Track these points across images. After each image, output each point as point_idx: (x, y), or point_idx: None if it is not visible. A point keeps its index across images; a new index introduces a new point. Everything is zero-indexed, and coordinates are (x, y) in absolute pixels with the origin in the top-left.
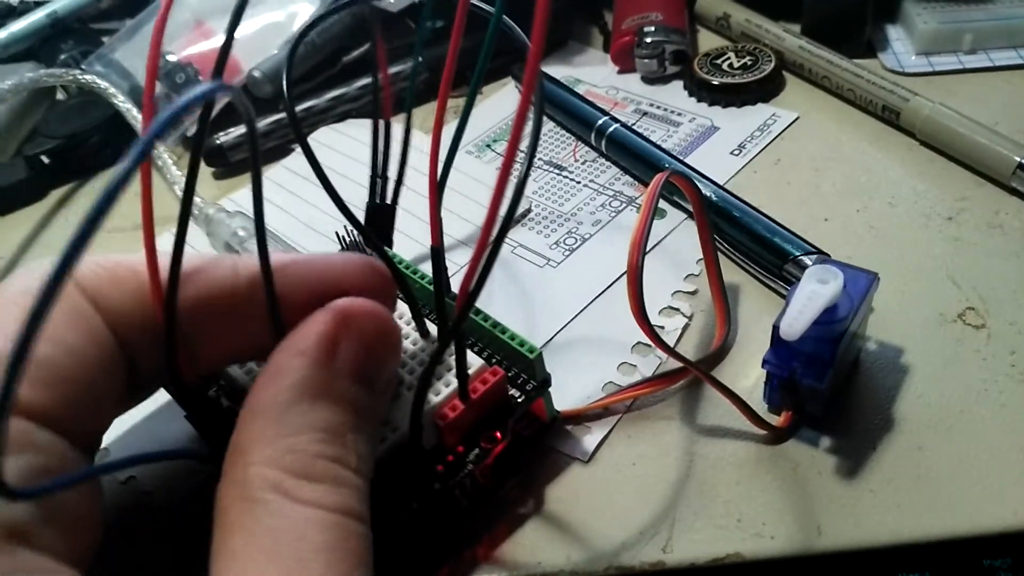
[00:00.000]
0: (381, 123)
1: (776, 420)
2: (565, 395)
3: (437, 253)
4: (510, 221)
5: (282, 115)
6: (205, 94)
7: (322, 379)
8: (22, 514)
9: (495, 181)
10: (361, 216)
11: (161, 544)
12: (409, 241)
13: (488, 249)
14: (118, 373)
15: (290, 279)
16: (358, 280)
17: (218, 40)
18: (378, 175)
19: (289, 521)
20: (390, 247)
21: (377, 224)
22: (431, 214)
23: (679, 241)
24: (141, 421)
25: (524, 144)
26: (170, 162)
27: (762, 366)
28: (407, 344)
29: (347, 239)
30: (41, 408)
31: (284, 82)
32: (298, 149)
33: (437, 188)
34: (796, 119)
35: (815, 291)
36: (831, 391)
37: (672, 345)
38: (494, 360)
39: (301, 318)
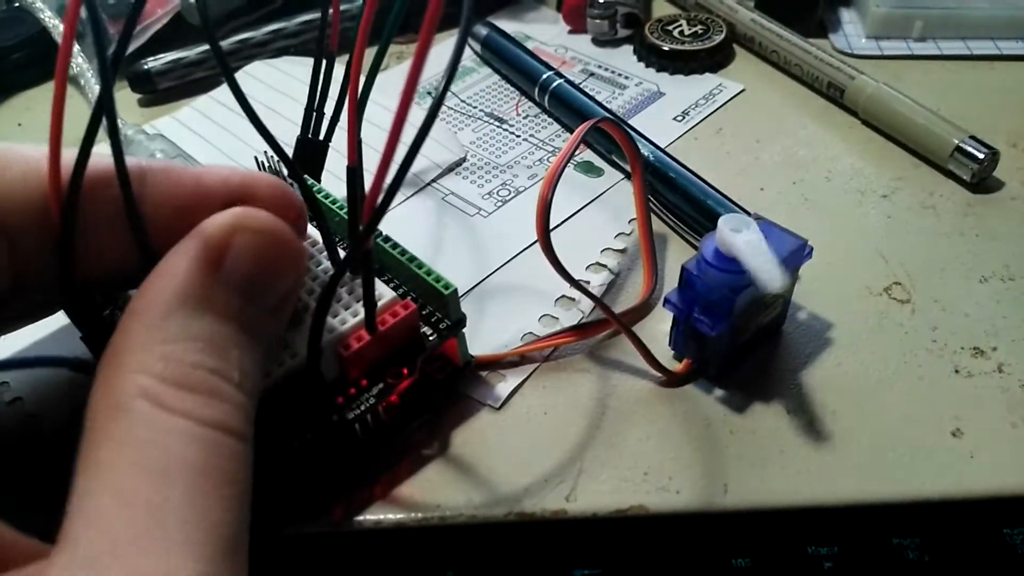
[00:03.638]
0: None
1: (676, 366)
2: (483, 342)
3: (353, 173)
4: (434, 116)
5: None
6: None
7: (206, 288)
8: None
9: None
10: (290, 150)
11: (46, 466)
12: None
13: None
14: None
15: (182, 188)
16: (263, 197)
17: None
18: (313, 109)
19: (158, 432)
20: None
21: (307, 159)
22: (349, 132)
23: (614, 200)
24: (32, 344)
25: (469, 94)
26: (93, 82)
27: (663, 305)
28: (318, 272)
29: (266, 164)
30: None
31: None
32: None
33: (357, 107)
34: (742, 91)
35: (749, 240)
36: (728, 345)
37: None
38: (409, 297)
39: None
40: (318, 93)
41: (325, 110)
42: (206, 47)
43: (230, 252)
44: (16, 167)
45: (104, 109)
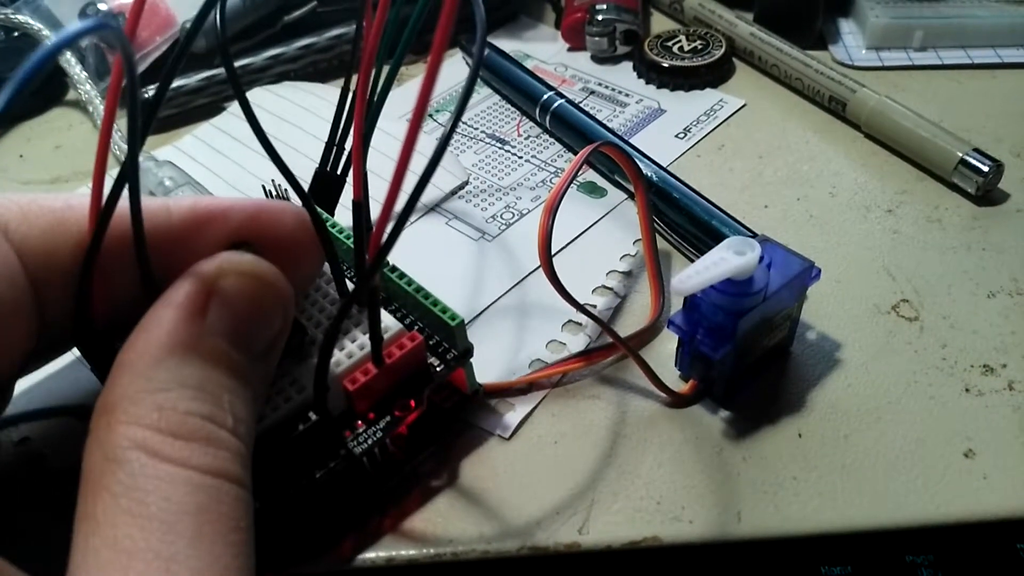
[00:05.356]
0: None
1: (682, 387)
2: (490, 369)
3: (359, 208)
4: (439, 159)
5: (215, 72)
6: (87, 29)
7: (192, 334)
8: None
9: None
10: (304, 183)
11: (54, 507)
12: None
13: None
14: (28, 308)
15: (214, 221)
16: (283, 230)
17: None
18: (334, 143)
19: (155, 481)
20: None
21: (323, 193)
22: (355, 167)
23: (618, 221)
24: (44, 379)
25: (470, 116)
26: (100, 108)
27: (667, 326)
28: (325, 304)
29: (274, 193)
30: None
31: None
32: (229, 108)
33: (362, 141)
34: (743, 106)
35: (723, 258)
36: (733, 367)
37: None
38: (416, 327)
39: None
40: (340, 127)
41: (345, 145)
42: (206, 74)
43: (214, 297)
44: (42, 219)
45: (129, 176)
